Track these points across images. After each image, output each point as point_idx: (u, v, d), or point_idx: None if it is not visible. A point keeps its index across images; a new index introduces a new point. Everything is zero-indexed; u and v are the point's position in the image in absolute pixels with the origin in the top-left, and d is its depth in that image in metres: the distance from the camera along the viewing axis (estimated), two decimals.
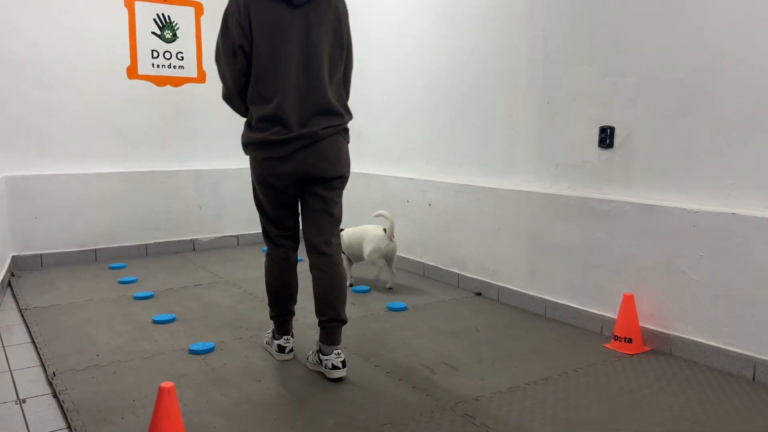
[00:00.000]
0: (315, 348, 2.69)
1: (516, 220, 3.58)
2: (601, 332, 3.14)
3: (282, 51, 2.45)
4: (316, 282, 2.61)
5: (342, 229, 3.87)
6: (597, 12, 3.11)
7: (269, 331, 2.92)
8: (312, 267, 2.62)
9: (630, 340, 2.91)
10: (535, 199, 3.45)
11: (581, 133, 3.23)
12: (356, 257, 4.06)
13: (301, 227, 2.72)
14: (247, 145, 2.61)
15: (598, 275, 3.15)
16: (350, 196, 5.12)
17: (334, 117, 2.55)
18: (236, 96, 2.58)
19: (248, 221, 5.59)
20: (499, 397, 2.41)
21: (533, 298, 3.50)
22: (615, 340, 2.96)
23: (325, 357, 2.59)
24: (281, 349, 2.80)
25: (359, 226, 4.13)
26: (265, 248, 2.79)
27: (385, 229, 3.92)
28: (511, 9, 3.57)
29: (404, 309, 3.55)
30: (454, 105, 4.04)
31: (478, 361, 2.77)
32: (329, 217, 2.62)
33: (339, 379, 2.57)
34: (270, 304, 2.79)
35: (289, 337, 2.82)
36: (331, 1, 2.52)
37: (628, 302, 2.93)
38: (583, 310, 3.23)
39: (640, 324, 2.94)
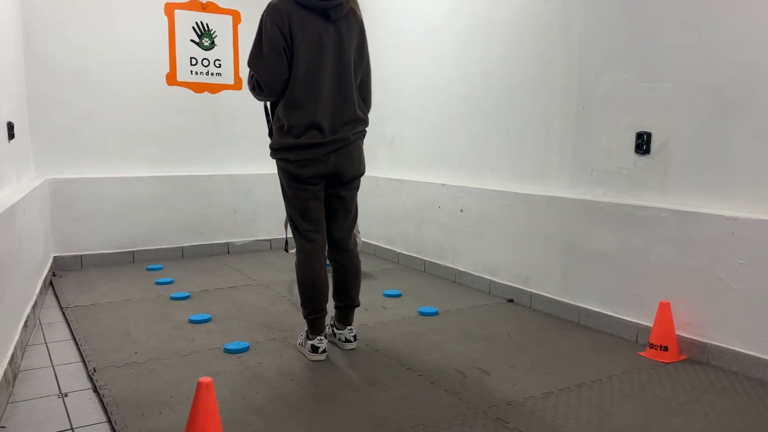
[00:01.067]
0: (330, 323, 3.05)
1: (549, 227, 3.56)
2: (636, 340, 3.10)
3: (318, 61, 2.64)
4: (336, 273, 2.96)
5: None
6: (634, 17, 3.09)
7: (303, 332, 2.96)
8: (332, 259, 2.94)
9: (666, 349, 2.87)
10: (569, 205, 3.43)
11: (617, 138, 3.20)
12: None
13: None
14: (281, 149, 2.73)
15: (634, 283, 3.12)
16: (382, 201, 5.16)
17: (361, 123, 2.81)
18: (275, 95, 2.68)
19: (281, 225, 5.65)
20: (532, 402, 2.40)
21: (567, 305, 3.47)
22: (650, 348, 2.92)
23: (340, 332, 3.00)
24: (314, 349, 2.83)
25: None
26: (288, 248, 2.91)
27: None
28: (546, 15, 3.57)
29: (436, 314, 3.56)
30: (487, 111, 4.05)
31: (510, 367, 2.76)
32: (348, 214, 2.90)
33: (351, 350, 2.96)
34: (303, 304, 2.84)
35: (322, 337, 2.85)
36: (356, 16, 2.75)
37: (665, 310, 2.89)
38: (618, 318, 3.19)
39: (677, 332, 2.90)
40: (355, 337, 3.00)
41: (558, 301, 3.53)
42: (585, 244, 3.35)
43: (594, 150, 3.33)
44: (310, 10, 2.63)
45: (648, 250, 3.04)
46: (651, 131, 3.05)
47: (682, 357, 2.88)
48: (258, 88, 2.70)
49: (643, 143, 3.08)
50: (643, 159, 3.09)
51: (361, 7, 2.83)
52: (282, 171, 2.80)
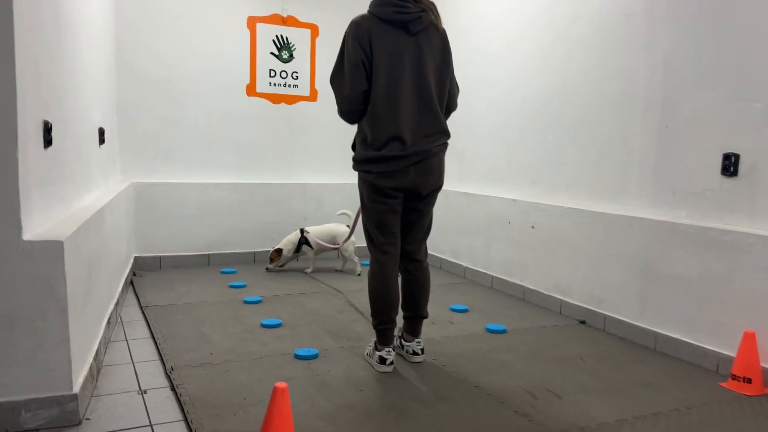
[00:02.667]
0: (398, 334, 3.05)
1: (627, 247, 3.45)
2: (717, 370, 2.95)
3: (399, 74, 2.68)
4: (406, 283, 2.96)
5: (303, 229, 4.93)
6: (723, 34, 2.98)
7: (371, 342, 2.98)
8: (403, 270, 2.96)
9: (749, 381, 2.73)
10: (649, 226, 3.32)
11: (702, 159, 3.08)
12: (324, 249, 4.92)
13: None
14: (363, 161, 2.77)
15: (716, 310, 2.98)
16: (451, 215, 5.14)
17: (443, 136, 2.83)
18: (355, 111, 2.75)
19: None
20: (606, 429, 2.32)
21: (643, 330, 3.35)
22: (732, 379, 2.78)
23: (408, 344, 3.01)
24: (382, 360, 2.85)
25: (324, 225, 5.06)
26: (366, 262, 2.92)
27: (348, 226, 4.73)
28: (630, 32, 3.49)
29: (504, 332, 3.51)
30: (564, 127, 3.98)
31: (583, 391, 2.69)
32: (423, 227, 2.94)
33: (418, 363, 2.97)
34: (373, 314, 2.87)
35: (390, 348, 2.87)
36: (438, 29, 2.77)
37: (749, 340, 2.75)
38: (698, 346, 3.06)
39: (762, 364, 2.75)
40: (422, 350, 3.00)
41: (633, 325, 3.41)
42: (664, 267, 3.23)
43: (677, 170, 3.22)
44: (391, 25, 2.68)
45: (732, 276, 2.90)
46: (739, 152, 2.92)
47: (767, 390, 2.73)
48: (341, 101, 2.77)
49: (730, 165, 2.95)
50: (730, 181, 2.96)
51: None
52: (363, 183, 2.84)
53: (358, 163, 2.83)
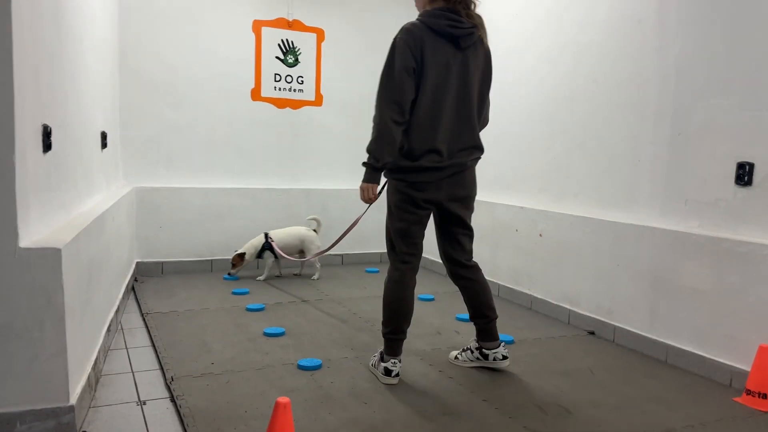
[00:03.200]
0: (471, 346, 3.03)
1: (637, 257, 3.38)
2: (731, 384, 2.88)
3: (443, 87, 2.68)
4: (468, 291, 2.96)
5: (267, 234, 4.76)
6: (737, 41, 2.91)
7: (377, 353, 2.92)
8: (460, 278, 2.95)
9: (765, 396, 2.65)
10: (660, 236, 3.25)
11: (715, 168, 3.02)
12: (289, 254, 4.75)
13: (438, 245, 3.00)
14: (398, 169, 2.73)
15: (730, 323, 2.91)
16: None
17: (477, 150, 2.84)
18: (402, 120, 2.64)
19: (352, 241, 5.63)
20: None
21: (654, 342, 3.28)
22: (747, 394, 2.71)
23: (494, 351, 2.96)
24: (388, 372, 2.79)
25: (288, 228, 4.91)
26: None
27: (315, 230, 4.90)
28: (640, 38, 3.42)
29: (511, 342, 3.44)
30: (572, 134, 3.91)
31: (594, 406, 2.61)
32: (467, 232, 2.92)
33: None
34: (385, 322, 2.82)
35: (396, 360, 2.81)
36: (483, 44, 2.76)
37: (765, 354, 2.67)
38: (711, 359, 2.98)
39: None
40: (507, 353, 3.00)
41: (644, 337, 3.34)
42: (676, 279, 3.16)
43: (689, 179, 3.15)
44: (442, 37, 2.65)
45: (746, 288, 2.83)
46: (754, 161, 2.85)
47: None
48: (388, 110, 2.63)
49: (744, 174, 2.88)
50: (744, 191, 2.90)
51: None
52: (395, 191, 2.80)
53: (392, 172, 2.77)
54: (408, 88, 2.62)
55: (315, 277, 4.93)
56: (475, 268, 2.95)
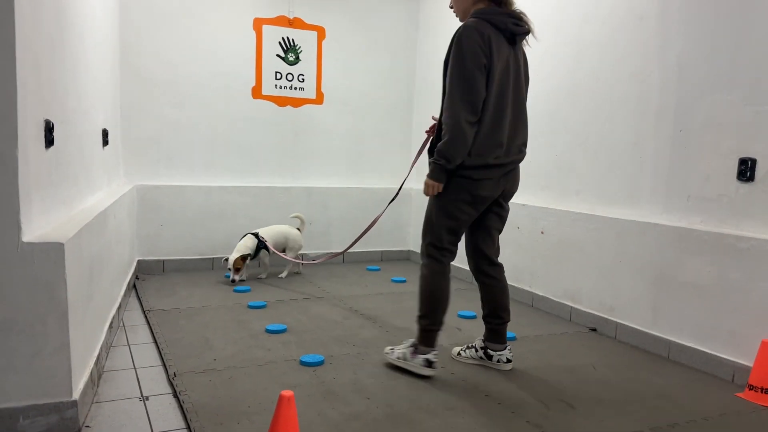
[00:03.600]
0: (477, 344, 3.02)
1: (639, 254, 3.38)
2: (733, 380, 2.88)
3: (506, 84, 2.71)
4: (489, 289, 2.96)
5: (257, 233, 4.69)
6: (740, 36, 2.91)
7: (406, 346, 2.90)
8: (485, 275, 2.96)
9: (767, 391, 2.65)
10: (662, 233, 3.24)
11: (718, 164, 3.02)
12: (277, 250, 4.76)
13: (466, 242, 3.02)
14: (465, 167, 2.70)
15: (733, 318, 2.90)
16: None
17: (525, 147, 2.89)
18: (473, 123, 2.64)
19: (353, 238, 5.65)
20: None
21: (656, 338, 3.27)
22: (750, 389, 2.71)
23: (499, 353, 2.96)
24: (429, 363, 2.80)
25: (273, 226, 4.89)
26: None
27: (299, 229, 4.94)
28: (642, 34, 3.42)
29: (513, 339, 3.43)
30: (574, 131, 3.91)
31: (596, 401, 2.61)
32: (499, 232, 2.97)
33: (509, 371, 2.95)
34: (425, 315, 2.81)
35: (437, 351, 2.83)
36: (526, 42, 2.85)
37: (767, 349, 2.67)
38: (713, 355, 2.98)
39: None
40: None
41: (646, 334, 3.33)
42: (678, 275, 3.16)
43: (691, 175, 3.15)
44: (503, 35, 2.67)
45: (749, 284, 2.83)
46: (756, 157, 2.85)
47: None
48: (463, 110, 2.60)
49: (746, 170, 2.88)
50: (747, 186, 2.89)
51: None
52: (457, 189, 2.74)
53: (459, 168, 2.70)
54: (481, 86, 2.61)
55: (283, 275, 4.86)
56: (501, 267, 2.98)
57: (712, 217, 3.05)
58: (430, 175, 2.72)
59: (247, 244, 4.60)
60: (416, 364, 2.81)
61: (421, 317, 2.82)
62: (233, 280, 4.50)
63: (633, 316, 3.43)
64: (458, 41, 2.61)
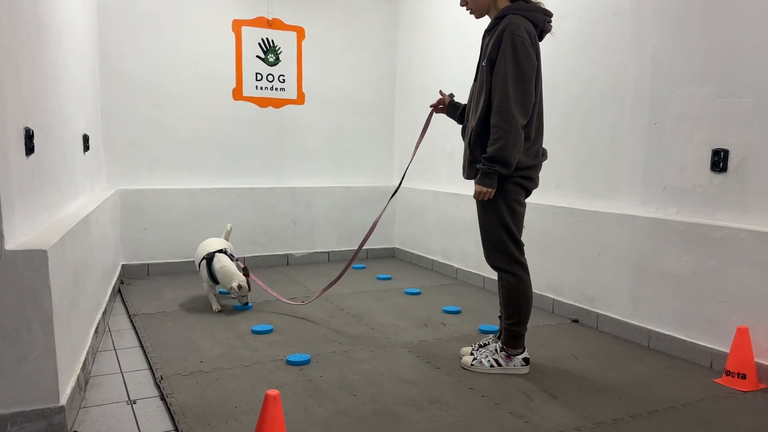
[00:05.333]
0: (488, 343, 3.00)
1: (618, 245, 3.45)
2: (711, 366, 2.95)
3: (540, 83, 2.73)
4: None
5: (223, 250, 3.88)
6: (711, 31, 2.98)
7: (491, 355, 2.89)
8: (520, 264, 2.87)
9: (744, 376, 2.72)
10: (640, 224, 3.31)
11: (692, 155, 3.08)
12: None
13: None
14: (524, 167, 2.70)
15: (709, 306, 2.98)
16: (442, 216, 5.12)
17: None
18: (525, 126, 2.66)
19: (339, 238, 5.70)
20: (602, 428, 2.31)
21: (636, 327, 3.34)
22: (727, 375, 2.78)
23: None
24: (527, 360, 2.88)
25: (214, 240, 4.07)
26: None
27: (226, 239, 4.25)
28: (617, 29, 3.48)
29: (497, 332, 3.48)
30: (552, 125, 3.95)
31: (578, 391, 2.67)
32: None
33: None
34: (522, 320, 2.83)
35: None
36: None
37: (743, 336, 2.74)
38: (692, 343, 3.05)
39: (756, 359, 2.74)
40: None
41: (627, 323, 3.40)
42: (656, 265, 3.23)
43: (667, 167, 3.22)
44: (535, 31, 2.67)
45: (724, 272, 2.90)
46: (728, 148, 2.92)
47: (762, 386, 2.73)
48: (517, 115, 2.58)
49: (719, 161, 2.95)
50: (720, 177, 2.96)
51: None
52: (518, 188, 2.74)
53: (519, 169, 2.69)
54: (532, 88, 2.62)
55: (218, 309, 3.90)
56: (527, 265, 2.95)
57: (688, 207, 3.12)
58: (483, 183, 2.67)
59: (230, 264, 3.77)
60: (516, 365, 2.85)
61: (517, 323, 2.81)
62: (245, 303, 3.85)
63: (614, 307, 3.50)
64: (512, 39, 2.54)
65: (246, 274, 3.81)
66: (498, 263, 2.82)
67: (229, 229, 4.34)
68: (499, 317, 3.00)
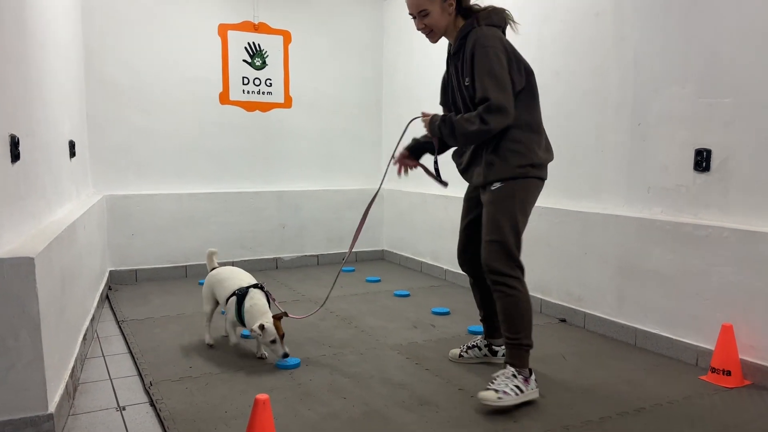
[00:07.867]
0: (480, 344, 3.04)
1: (604, 245, 3.48)
2: (696, 363, 2.99)
3: (535, 83, 2.72)
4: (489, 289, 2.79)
5: (259, 285, 3.23)
6: (692, 31, 3.02)
7: (511, 382, 2.51)
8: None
9: (729, 373, 2.76)
10: (625, 224, 3.35)
11: (675, 155, 3.12)
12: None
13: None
14: (539, 165, 2.64)
15: (694, 304, 3.01)
16: (429, 218, 5.14)
17: None
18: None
19: (327, 241, 5.70)
20: (589, 426, 2.33)
21: (622, 326, 3.38)
22: (712, 372, 2.82)
23: (503, 347, 2.89)
24: (536, 381, 2.61)
25: (234, 271, 3.41)
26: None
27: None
28: (599, 30, 3.52)
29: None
30: None
31: (566, 390, 2.69)
32: None
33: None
34: (527, 334, 2.57)
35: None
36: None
37: (727, 333, 2.78)
38: (677, 340, 3.09)
39: (740, 356, 2.78)
40: None
41: (613, 322, 3.44)
42: (641, 264, 3.27)
43: (650, 167, 3.25)
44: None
45: (708, 270, 2.94)
46: (711, 148, 2.96)
47: (746, 382, 2.77)
48: (506, 111, 2.52)
49: (702, 160, 2.99)
50: (703, 176, 3.00)
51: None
52: (534, 188, 2.68)
53: (534, 168, 2.61)
54: (509, 80, 2.60)
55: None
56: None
57: (672, 207, 3.16)
58: (432, 127, 2.71)
59: (264, 302, 3.11)
60: (533, 387, 2.56)
61: (523, 339, 2.56)
62: (286, 354, 2.94)
63: (600, 306, 3.53)
64: (485, 51, 2.52)
65: (278, 317, 3.00)
66: (500, 266, 2.56)
67: (211, 253, 3.65)
68: (481, 320, 3.02)
